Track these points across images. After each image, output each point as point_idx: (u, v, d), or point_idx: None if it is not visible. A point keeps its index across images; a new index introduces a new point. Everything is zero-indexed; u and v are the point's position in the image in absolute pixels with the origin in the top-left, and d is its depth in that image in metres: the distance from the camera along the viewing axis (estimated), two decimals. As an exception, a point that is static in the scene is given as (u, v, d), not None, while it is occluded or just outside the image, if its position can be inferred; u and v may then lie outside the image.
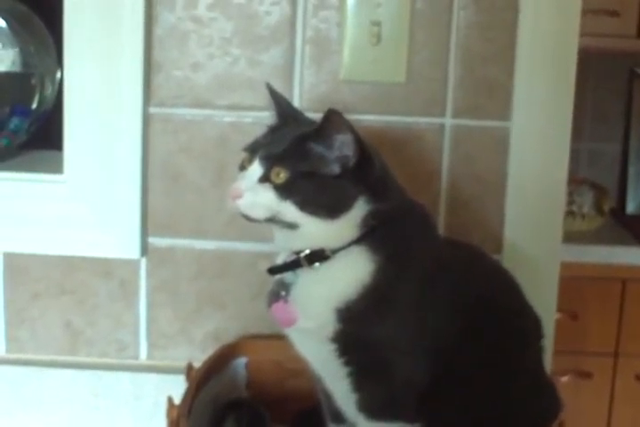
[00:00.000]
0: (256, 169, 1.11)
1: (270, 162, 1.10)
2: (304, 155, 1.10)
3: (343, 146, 1.09)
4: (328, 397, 1.21)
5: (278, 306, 1.15)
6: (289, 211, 1.08)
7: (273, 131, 1.18)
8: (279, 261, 1.18)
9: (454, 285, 1.13)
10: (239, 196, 1.10)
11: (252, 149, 1.14)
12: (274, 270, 1.17)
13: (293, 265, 1.14)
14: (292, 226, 1.10)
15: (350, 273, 1.10)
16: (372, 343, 1.10)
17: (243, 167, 1.13)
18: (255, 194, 1.09)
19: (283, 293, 1.15)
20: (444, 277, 1.13)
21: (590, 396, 2.81)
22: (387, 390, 1.12)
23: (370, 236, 1.11)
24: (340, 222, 1.10)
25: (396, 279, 1.10)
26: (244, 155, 1.15)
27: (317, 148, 1.09)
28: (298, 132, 1.13)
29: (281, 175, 1.08)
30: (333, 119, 1.08)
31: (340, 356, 1.12)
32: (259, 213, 1.10)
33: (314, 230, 1.10)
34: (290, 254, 1.15)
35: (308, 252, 1.12)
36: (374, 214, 1.11)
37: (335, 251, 1.11)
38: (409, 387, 1.11)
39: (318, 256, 1.12)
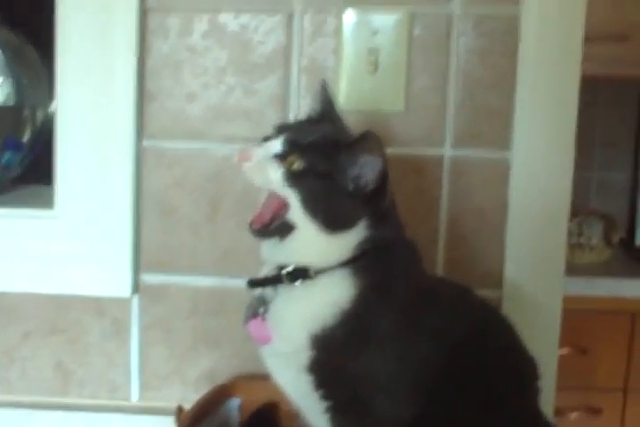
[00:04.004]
0: (276, 146, 1.09)
1: (292, 147, 1.08)
2: (327, 157, 1.07)
3: (368, 168, 1.07)
4: None
5: (255, 323, 1.12)
6: (292, 204, 1.06)
7: (308, 122, 1.17)
8: (261, 275, 1.14)
9: (439, 321, 1.10)
10: (247, 159, 1.09)
11: (281, 129, 1.13)
12: (253, 283, 1.14)
13: (274, 280, 1.11)
14: (287, 228, 1.07)
15: (330, 296, 1.07)
16: (349, 376, 1.06)
17: (266, 139, 1.12)
18: (265, 165, 1.08)
19: (261, 309, 1.12)
20: (428, 313, 1.09)
21: (600, 432, 2.75)
22: None
23: (357, 261, 1.08)
24: (336, 240, 1.07)
25: (377, 308, 1.07)
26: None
27: (343, 158, 1.07)
28: (332, 133, 1.12)
29: (296, 164, 1.07)
30: (370, 139, 1.06)
31: (316, 388, 1.08)
32: (259, 180, 1.09)
33: (308, 239, 1.08)
34: (273, 269, 1.12)
35: (291, 268, 1.09)
36: (370, 241, 1.08)
37: (319, 272, 1.08)
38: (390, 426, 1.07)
39: (301, 274, 1.08)
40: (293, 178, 1.06)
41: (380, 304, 1.07)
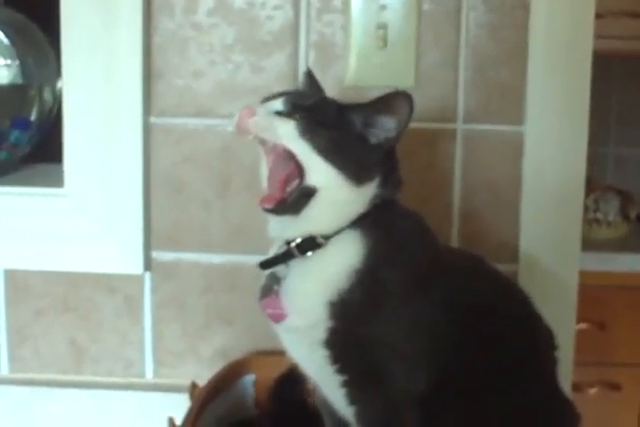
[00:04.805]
0: (277, 104, 1.06)
1: (294, 107, 1.06)
2: (334, 115, 1.06)
3: (389, 127, 1.05)
4: (329, 407, 1.15)
5: (269, 301, 1.10)
6: (311, 160, 1.03)
7: (301, 90, 1.16)
8: (271, 254, 1.12)
9: (452, 287, 1.08)
10: (253, 114, 1.04)
11: (270, 98, 1.09)
12: (265, 264, 1.12)
13: (285, 257, 1.09)
14: (307, 195, 1.04)
15: (341, 260, 1.05)
16: (365, 346, 1.05)
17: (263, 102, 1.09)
18: (271, 119, 1.04)
19: (275, 287, 1.10)
20: (440, 278, 1.08)
21: (619, 408, 2.73)
22: (383, 401, 1.06)
23: (364, 220, 1.06)
24: (357, 195, 1.05)
25: (388, 265, 1.05)
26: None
27: (356, 116, 1.05)
28: (330, 99, 1.11)
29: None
30: (405, 102, 1.04)
31: (333, 362, 1.06)
32: (267, 135, 1.04)
33: (330, 199, 1.04)
34: (281, 246, 1.10)
35: (299, 240, 1.07)
36: (379, 198, 1.07)
37: (327, 237, 1.06)
38: (407, 399, 1.05)
39: (310, 244, 1.07)
40: (307, 127, 1.03)
41: (390, 261, 1.06)
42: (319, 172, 1.04)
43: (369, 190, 1.06)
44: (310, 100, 1.08)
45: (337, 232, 1.06)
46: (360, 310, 1.04)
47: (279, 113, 1.06)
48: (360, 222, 1.06)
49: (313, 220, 1.07)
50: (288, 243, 1.08)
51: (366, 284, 1.04)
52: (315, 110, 1.06)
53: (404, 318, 1.05)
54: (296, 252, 1.08)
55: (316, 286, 1.06)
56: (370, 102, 1.06)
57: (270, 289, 1.10)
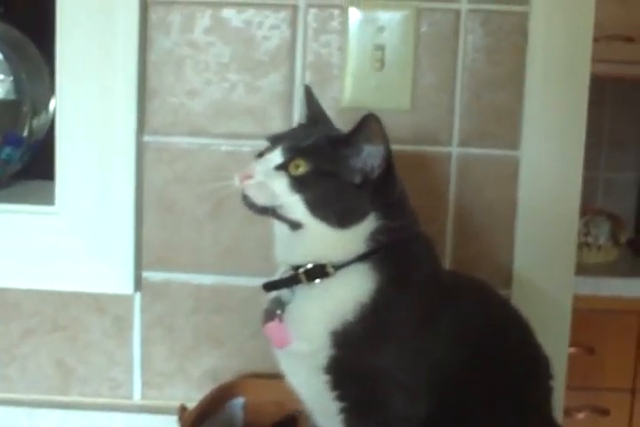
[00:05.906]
0: (276, 157, 1.06)
1: (293, 153, 1.06)
2: (330, 155, 1.05)
3: (372, 156, 1.05)
4: None
5: (272, 325, 1.09)
6: (297, 208, 1.04)
7: (301, 128, 1.15)
8: (276, 277, 1.12)
9: (457, 317, 1.08)
10: (250, 176, 1.05)
11: (275, 139, 1.10)
12: (269, 286, 1.12)
13: (291, 281, 1.09)
14: (294, 225, 1.05)
15: (349, 292, 1.05)
16: (368, 373, 1.04)
17: (260, 155, 1.09)
18: (267, 178, 1.05)
19: (278, 311, 1.09)
20: (446, 308, 1.08)
21: (608, 433, 2.74)
22: None
23: (375, 254, 1.06)
24: (347, 234, 1.05)
25: (396, 302, 1.05)
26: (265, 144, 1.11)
27: (345, 152, 1.05)
28: (327, 133, 1.10)
29: (300, 168, 1.04)
30: (371, 127, 1.04)
31: (332, 389, 1.06)
32: (262, 199, 1.05)
33: (318, 235, 1.05)
34: (287, 270, 1.10)
35: (309, 266, 1.07)
36: (383, 231, 1.06)
37: (337, 267, 1.06)
38: (405, 426, 1.05)
39: (319, 272, 1.06)
40: (299, 183, 1.04)
41: (398, 298, 1.06)
42: (304, 217, 1.05)
43: (362, 229, 1.06)
44: (308, 139, 1.07)
45: (345, 264, 1.06)
46: (363, 342, 1.04)
47: (278, 166, 1.06)
48: (370, 257, 1.06)
49: (308, 248, 1.07)
50: (295, 268, 1.08)
51: (372, 319, 1.04)
52: (313, 151, 1.06)
53: (407, 349, 1.05)
54: (303, 278, 1.07)
55: (320, 314, 1.05)
56: (352, 132, 1.06)
57: (274, 313, 1.10)
